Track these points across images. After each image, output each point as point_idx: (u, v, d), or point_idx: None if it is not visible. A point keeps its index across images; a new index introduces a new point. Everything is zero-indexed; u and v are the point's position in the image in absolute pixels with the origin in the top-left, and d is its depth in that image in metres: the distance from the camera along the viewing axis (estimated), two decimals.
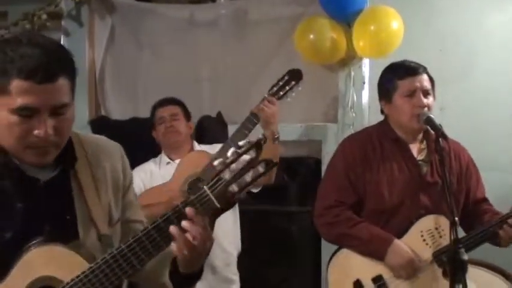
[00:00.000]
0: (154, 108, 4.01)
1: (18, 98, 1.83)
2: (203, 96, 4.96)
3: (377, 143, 3.32)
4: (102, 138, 2.26)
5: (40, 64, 1.83)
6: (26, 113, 1.86)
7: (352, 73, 4.51)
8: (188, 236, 1.89)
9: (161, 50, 5.10)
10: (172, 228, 1.89)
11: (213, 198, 1.90)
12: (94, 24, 5.18)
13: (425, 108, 3.19)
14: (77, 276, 1.91)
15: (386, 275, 3.19)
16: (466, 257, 2.75)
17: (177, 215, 1.90)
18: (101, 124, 5.04)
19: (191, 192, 3.42)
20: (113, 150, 2.22)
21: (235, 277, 3.86)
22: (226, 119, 4.55)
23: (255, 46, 4.86)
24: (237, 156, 1.88)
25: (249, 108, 3.72)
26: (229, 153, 1.89)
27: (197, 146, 3.98)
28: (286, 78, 3.71)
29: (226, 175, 1.88)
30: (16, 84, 1.82)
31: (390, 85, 3.28)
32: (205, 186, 1.89)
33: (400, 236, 3.19)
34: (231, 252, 3.86)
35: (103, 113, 5.19)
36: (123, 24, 5.15)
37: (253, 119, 3.65)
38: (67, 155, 2.04)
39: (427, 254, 3.17)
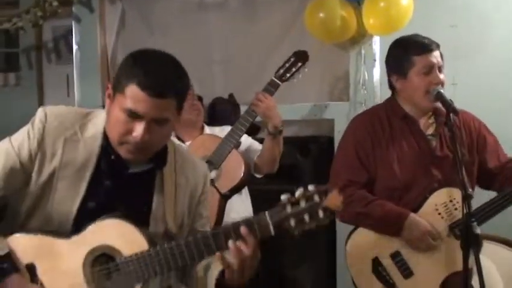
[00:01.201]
0: None
1: (130, 101, 2.13)
2: (215, 78, 4.99)
3: (385, 121, 3.33)
4: (194, 156, 2.59)
5: (158, 82, 2.13)
6: (132, 115, 2.14)
7: (363, 51, 4.53)
8: (241, 252, 2.08)
9: (172, 33, 5.12)
10: (231, 243, 2.07)
11: (270, 225, 2.05)
12: (104, 10, 5.23)
13: (440, 85, 3.20)
14: (135, 254, 2.15)
15: (404, 250, 3.20)
16: (478, 230, 2.77)
17: (235, 230, 2.08)
18: None
19: None
20: (200, 166, 2.52)
21: None
22: (238, 100, 4.58)
23: (265, 26, 4.89)
24: (304, 198, 2.04)
25: (261, 88, 3.74)
26: (297, 193, 2.04)
27: (207, 129, 3.99)
28: (292, 59, 3.71)
29: (289, 209, 2.02)
30: (132, 89, 2.12)
31: (405, 60, 3.25)
32: (266, 212, 2.05)
33: (414, 211, 3.20)
34: None
35: None
36: (134, 8, 5.20)
37: (248, 116, 3.66)
38: (160, 157, 2.33)
39: (442, 227, 3.18)
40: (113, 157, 2.27)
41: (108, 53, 5.25)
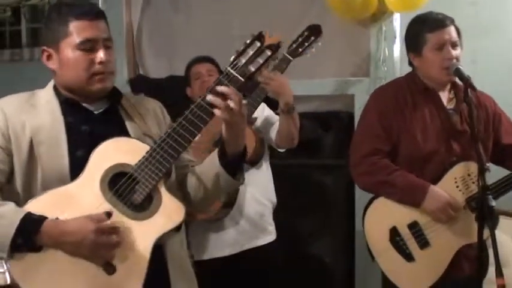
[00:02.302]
0: (190, 65, 4.05)
1: (79, 34, 2.31)
2: None
3: (407, 93, 3.37)
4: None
5: (89, 7, 2.37)
6: (87, 46, 2.32)
7: (384, 28, 4.55)
8: (228, 106, 2.24)
9: (195, 10, 5.20)
10: (212, 97, 2.24)
11: (235, 74, 2.26)
12: None
13: (454, 60, 3.24)
14: (143, 156, 2.26)
15: (422, 221, 3.27)
16: (493, 203, 2.83)
17: (213, 92, 2.25)
18: (140, 82, 5.20)
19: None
20: (152, 100, 2.64)
21: (271, 227, 3.95)
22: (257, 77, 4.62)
23: (286, 3, 4.92)
24: (246, 46, 2.28)
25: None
26: (241, 49, 2.27)
27: None
28: (305, 34, 3.70)
29: (242, 60, 2.27)
30: (74, 24, 2.31)
31: (419, 38, 3.31)
32: (227, 68, 2.26)
33: (434, 182, 3.25)
34: (265, 203, 3.93)
35: (141, 72, 5.33)
36: None
37: (260, 93, 3.69)
38: (113, 92, 2.45)
39: (460, 199, 3.24)
40: (85, 104, 2.40)
41: (134, 30, 5.33)
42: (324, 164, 4.71)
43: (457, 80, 3.26)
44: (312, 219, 4.68)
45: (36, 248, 2.17)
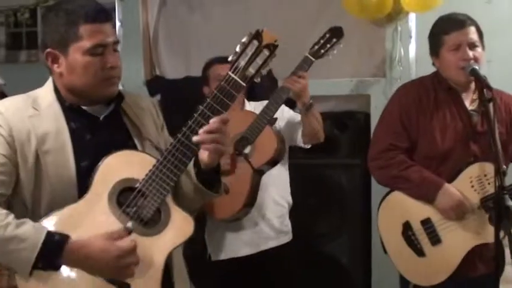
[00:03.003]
0: (209, 64, 4.05)
1: (90, 38, 2.24)
2: None
3: (431, 91, 3.40)
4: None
5: (98, 9, 2.29)
6: (98, 51, 2.25)
7: (399, 28, 4.56)
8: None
9: (211, 10, 5.21)
10: (197, 138, 2.20)
11: (237, 79, 2.22)
12: None
13: (472, 61, 3.25)
14: (150, 170, 2.22)
15: (435, 218, 3.30)
16: (510, 203, 2.86)
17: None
18: (157, 83, 5.22)
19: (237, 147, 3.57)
20: (145, 98, 2.63)
21: (287, 228, 3.97)
22: (276, 76, 4.64)
23: (303, 3, 4.93)
24: (244, 47, 2.24)
25: (294, 64, 3.79)
26: (237, 48, 2.24)
27: (247, 104, 4.06)
28: (327, 36, 3.73)
29: (242, 62, 2.23)
30: (85, 28, 2.24)
31: (437, 40, 3.35)
32: (229, 72, 2.23)
33: (450, 181, 3.28)
34: (283, 204, 3.96)
35: (158, 73, 5.36)
36: None
37: (283, 93, 3.71)
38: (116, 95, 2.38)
39: (475, 199, 3.26)
40: (84, 108, 2.34)
41: (150, 30, 5.36)
42: (340, 164, 4.72)
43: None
44: (328, 219, 4.68)
45: (55, 267, 2.14)
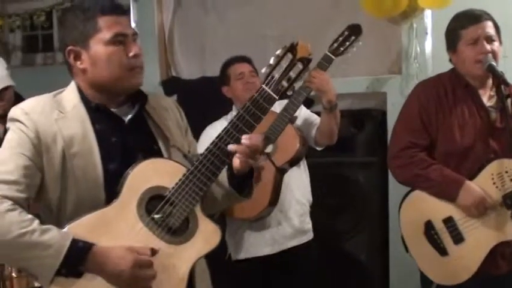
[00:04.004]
0: (229, 64, 4.05)
1: (110, 29, 2.25)
2: (268, 54, 5.02)
3: (449, 88, 3.38)
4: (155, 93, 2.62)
5: (113, 3, 2.32)
6: (119, 40, 2.26)
7: (415, 25, 4.56)
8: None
9: (226, 11, 5.24)
10: (233, 147, 2.22)
11: (270, 92, 2.22)
12: None
13: (490, 55, 3.25)
14: (180, 179, 2.22)
15: (457, 216, 3.28)
16: None
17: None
18: (172, 84, 5.25)
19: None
20: (168, 99, 2.62)
21: (309, 226, 3.98)
22: None
23: (318, 2, 4.94)
24: (279, 59, 2.23)
25: (314, 64, 3.76)
26: (271, 61, 2.23)
27: None
28: (346, 33, 3.72)
29: (276, 75, 2.22)
30: (104, 20, 2.26)
31: (454, 35, 3.34)
32: (262, 85, 2.22)
33: (471, 178, 3.26)
34: (304, 203, 3.97)
35: (173, 73, 5.38)
36: None
37: (302, 91, 3.71)
38: (139, 94, 2.39)
39: (497, 196, 3.23)
40: (113, 110, 2.33)
41: (165, 31, 5.38)
42: (357, 162, 4.72)
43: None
44: (346, 217, 4.68)
45: (77, 275, 2.13)
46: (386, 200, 4.60)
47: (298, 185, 3.92)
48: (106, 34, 2.25)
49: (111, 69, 2.26)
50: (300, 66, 2.24)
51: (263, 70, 2.24)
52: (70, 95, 2.33)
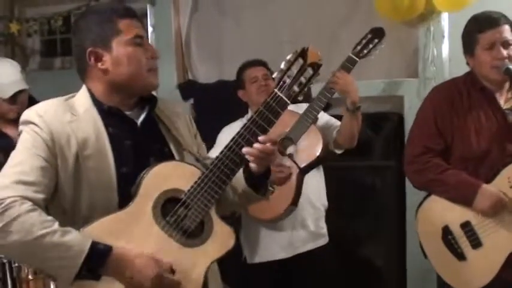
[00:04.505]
0: (244, 68, 4.07)
1: (128, 31, 2.32)
2: (284, 57, 5.03)
3: (464, 92, 3.37)
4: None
5: (127, 7, 2.40)
6: (138, 41, 2.33)
7: (432, 28, 4.54)
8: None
9: (243, 15, 5.24)
10: (247, 150, 2.28)
11: (283, 97, 2.27)
12: None
13: (506, 60, 3.23)
14: (195, 182, 2.25)
15: (474, 221, 3.26)
16: None
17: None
18: (189, 87, 5.26)
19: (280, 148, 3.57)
20: (177, 104, 2.69)
21: (324, 231, 3.96)
22: None
23: (334, 5, 4.94)
24: (290, 64, 2.29)
25: (330, 67, 3.72)
26: (282, 66, 2.29)
27: None
28: (369, 36, 3.73)
29: (287, 80, 2.28)
30: (124, 22, 2.33)
31: (472, 38, 3.32)
32: (275, 90, 2.27)
33: (488, 182, 3.25)
34: (319, 207, 3.96)
35: (190, 77, 5.40)
36: None
37: (326, 92, 3.71)
38: (149, 98, 2.43)
39: None
40: (120, 116, 2.36)
41: (182, 35, 5.39)
42: (373, 165, 4.71)
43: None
44: (363, 221, 4.67)
45: (96, 277, 2.14)
46: (403, 204, 4.58)
47: (313, 189, 3.91)
48: (127, 35, 2.32)
49: (133, 69, 2.32)
50: (310, 71, 2.29)
51: (274, 75, 2.30)
52: (82, 99, 2.36)
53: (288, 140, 3.72)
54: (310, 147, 3.77)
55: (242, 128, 2.28)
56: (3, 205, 2.08)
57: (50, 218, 2.14)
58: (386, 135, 4.76)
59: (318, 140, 3.78)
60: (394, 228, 4.65)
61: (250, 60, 4.10)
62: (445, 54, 4.55)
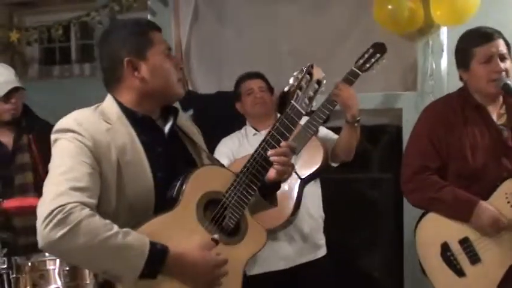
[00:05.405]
0: (241, 80, 4.13)
1: (160, 43, 2.45)
2: (284, 69, 5.06)
3: (458, 109, 3.38)
4: None
5: (150, 21, 2.62)
6: (168, 53, 2.47)
7: (431, 42, 4.56)
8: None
9: (242, 26, 5.25)
10: (274, 158, 2.44)
11: (299, 108, 2.46)
12: (179, 3, 5.38)
13: (503, 73, 3.26)
14: (231, 184, 2.42)
15: (473, 237, 3.27)
16: None
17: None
18: (189, 98, 5.25)
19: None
20: (191, 122, 2.77)
21: (322, 242, 3.98)
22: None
23: (334, 18, 4.95)
24: (300, 80, 2.48)
25: (329, 79, 3.75)
26: (291, 81, 2.48)
27: None
28: (371, 51, 3.76)
29: (300, 93, 2.47)
30: (155, 35, 2.45)
31: (467, 53, 3.34)
32: (292, 101, 2.46)
33: (484, 199, 3.26)
34: (318, 218, 3.98)
35: (190, 87, 5.40)
36: (206, 2, 5.34)
37: (329, 104, 3.74)
38: (170, 108, 2.56)
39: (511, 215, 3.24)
40: (151, 124, 2.48)
41: (182, 46, 5.40)
42: (372, 178, 4.73)
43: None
44: (361, 233, 4.69)
45: (154, 276, 2.22)
46: (401, 217, 4.58)
47: (312, 200, 3.92)
48: (160, 47, 2.44)
49: (167, 79, 2.45)
50: (316, 86, 2.50)
51: (285, 89, 2.48)
52: (111, 107, 2.43)
53: None
54: (311, 158, 3.80)
55: (267, 134, 2.45)
56: (64, 211, 2.13)
57: (108, 221, 2.20)
58: (384, 147, 4.78)
59: (319, 152, 3.80)
60: (392, 240, 4.66)
61: (248, 72, 4.15)
62: (444, 68, 4.57)
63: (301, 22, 5.04)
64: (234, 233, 2.42)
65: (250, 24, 5.21)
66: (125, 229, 2.19)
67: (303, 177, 3.78)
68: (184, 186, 2.34)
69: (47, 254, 3.41)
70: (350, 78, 3.75)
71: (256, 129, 4.04)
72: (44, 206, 2.15)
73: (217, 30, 5.33)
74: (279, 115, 4.03)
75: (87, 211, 2.16)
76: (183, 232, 2.30)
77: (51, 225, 2.11)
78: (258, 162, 2.43)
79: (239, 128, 4.15)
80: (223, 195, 2.40)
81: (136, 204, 2.31)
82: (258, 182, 2.43)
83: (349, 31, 4.82)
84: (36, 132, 3.97)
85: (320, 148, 3.81)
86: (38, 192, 3.82)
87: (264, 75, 4.13)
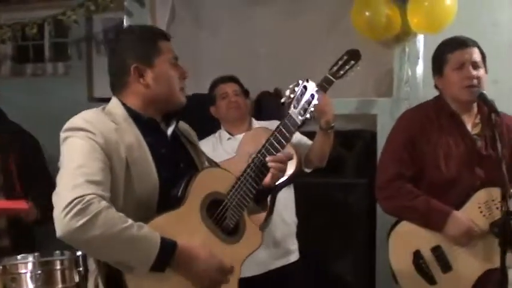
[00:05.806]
0: (215, 84, 4.13)
1: (168, 52, 2.56)
2: (261, 72, 5.07)
3: (434, 117, 3.41)
4: None
5: (160, 29, 2.71)
6: (175, 62, 2.58)
7: (407, 49, 4.57)
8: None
9: (219, 28, 5.25)
10: (272, 164, 2.61)
11: (295, 118, 2.61)
12: (155, 4, 5.33)
13: (475, 80, 3.29)
14: (233, 186, 2.56)
15: (445, 245, 3.30)
16: None
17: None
18: None
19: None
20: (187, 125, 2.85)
21: (295, 247, 3.99)
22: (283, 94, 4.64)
23: (311, 22, 4.96)
24: (296, 92, 2.63)
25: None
26: (287, 92, 2.65)
27: (255, 123, 4.09)
28: (345, 57, 3.74)
29: (295, 104, 2.63)
30: (164, 44, 2.57)
31: (441, 59, 3.39)
32: (289, 111, 2.62)
33: (458, 208, 3.30)
34: (291, 224, 3.98)
35: None
36: (183, 3, 5.33)
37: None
38: (173, 113, 2.64)
39: (484, 225, 3.27)
40: (162, 127, 2.59)
41: None
42: (345, 183, 4.73)
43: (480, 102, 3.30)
44: (333, 238, 4.68)
45: (162, 269, 2.31)
46: (374, 222, 4.60)
47: (285, 205, 3.92)
48: (168, 55, 2.55)
49: (170, 87, 2.55)
50: (310, 98, 2.64)
51: (282, 100, 2.66)
52: (117, 109, 2.52)
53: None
54: None
55: (266, 141, 2.61)
56: (84, 201, 2.20)
57: (122, 214, 2.29)
58: (359, 153, 4.78)
59: (293, 158, 3.77)
60: (364, 245, 4.66)
61: (222, 76, 4.15)
62: (419, 75, 4.59)
63: (278, 25, 5.05)
64: (232, 232, 2.54)
65: (227, 26, 5.22)
66: (139, 222, 2.29)
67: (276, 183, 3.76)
68: (189, 187, 2.46)
69: (18, 257, 3.36)
70: (324, 85, 3.70)
71: (230, 134, 4.03)
72: (61, 196, 2.23)
73: (194, 31, 5.33)
74: (255, 121, 4.06)
75: (105, 203, 2.24)
76: (187, 230, 2.40)
77: (71, 213, 2.17)
78: (257, 167, 2.57)
79: (213, 131, 4.13)
80: (225, 196, 2.53)
81: (142, 202, 2.39)
82: (257, 185, 2.57)
83: (326, 35, 4.84)
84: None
85: (294, 155, 3.78)
86: (6, 194, 3.81)
87: (239, 79, 4.12)
